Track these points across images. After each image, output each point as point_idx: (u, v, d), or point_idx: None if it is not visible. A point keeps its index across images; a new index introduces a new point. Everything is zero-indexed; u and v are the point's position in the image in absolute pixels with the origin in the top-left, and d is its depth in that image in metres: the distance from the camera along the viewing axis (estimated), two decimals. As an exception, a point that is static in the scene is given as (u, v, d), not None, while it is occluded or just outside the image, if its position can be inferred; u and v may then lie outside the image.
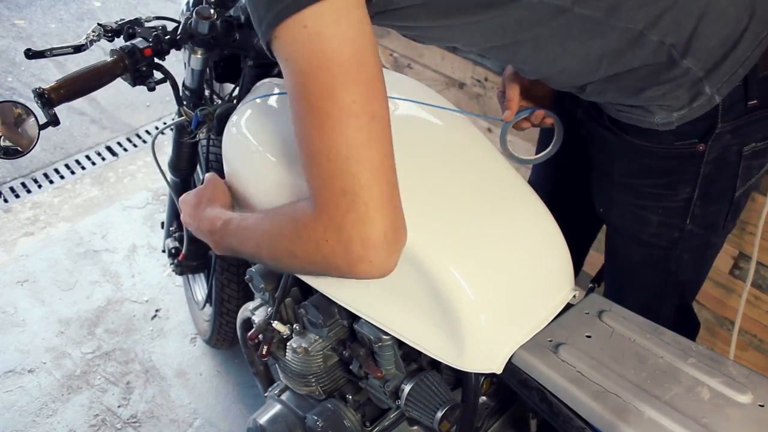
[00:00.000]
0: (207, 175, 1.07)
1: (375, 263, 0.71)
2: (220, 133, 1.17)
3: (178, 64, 1.25)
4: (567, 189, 1.31)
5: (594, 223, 1.40)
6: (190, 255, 1.71)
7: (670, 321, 1.18)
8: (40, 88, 1.01)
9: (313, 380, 1.11)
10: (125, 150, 2.91)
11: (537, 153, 1.31)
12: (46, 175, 2.75)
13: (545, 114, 1.12)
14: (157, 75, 1.16)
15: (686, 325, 1.24)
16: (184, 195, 1.06)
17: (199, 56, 1.16)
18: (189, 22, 1.12)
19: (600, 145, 1.09)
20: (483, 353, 0.86)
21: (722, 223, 1.07)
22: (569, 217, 1.31)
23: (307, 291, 1.13)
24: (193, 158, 1.53)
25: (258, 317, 1.17)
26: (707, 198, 1.01)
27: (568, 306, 0.94)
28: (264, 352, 1.14)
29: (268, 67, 1.19)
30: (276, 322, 1.12)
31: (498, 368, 0.86)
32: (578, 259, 1.50)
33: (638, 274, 1.16)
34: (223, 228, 0.92)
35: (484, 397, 1.02)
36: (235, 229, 0.89)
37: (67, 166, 2.81)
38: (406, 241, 0.74)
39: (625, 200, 1.07)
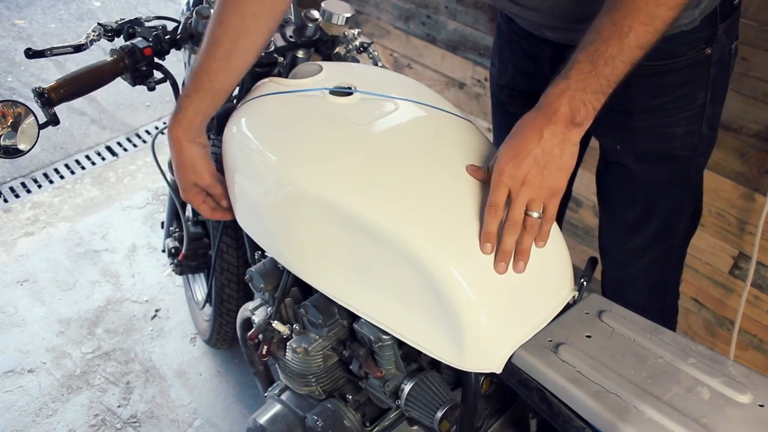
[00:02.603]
0: None
1: None
2: (220, 132, 1.17)
3: (178, 63, 1.25)
4: None
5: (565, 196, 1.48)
6: (190, 255, 1.71)
7: (684, 231, 1.28)
8: (40, 87, 1.01)
9: (313, 380, 1.11)
10: (125, 150, 2.91)
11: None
12: (46, 175, 2.76)
13: None
14: (157, 75, 1.16)
15: (692, 225, 1.31)
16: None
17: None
18: (189, 21, 1.12)
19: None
20: (483, 353, 0.86)
21: (719, 122, 1.18)
22: None
23: (307, 291, 1.13)
24: (193, 158, 1.53)
25: (258, 317, 1.17)
26: (714, 99, 1.12)
27: (568, 306, 0.94)
28: (264, 352, 1.14)
29: (268, 67, 1.19)
30: (276, 322, 1.12)
31: (498, 368, 0.86)
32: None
33: (663, 194, 1.21)
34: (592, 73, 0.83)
35: (484, 397, 1.02)
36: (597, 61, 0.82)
37: (67, 166, 2.81)
38: None
39: (649, 124, 1.13)
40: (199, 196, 1.13)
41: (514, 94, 1.34)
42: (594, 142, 1.28)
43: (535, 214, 0.86)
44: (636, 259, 1.30)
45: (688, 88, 1.10)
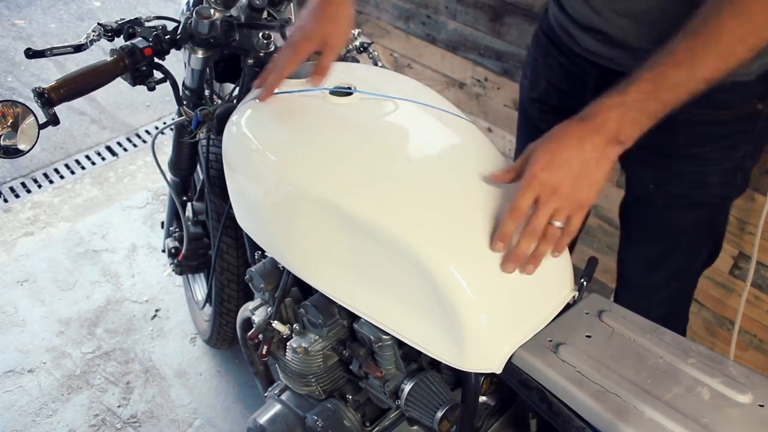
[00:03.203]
0: None
1: None
2: (220, 132, 1.17)
3: (178, 63, 1.25)
4: None
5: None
6: (190, 255, 1.71)
7: (700, 269, 1.30)
8: (40, 87, 1.01)
9: (313, 380, 1.11)
10: (125, 150, 2.91)
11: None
12: (46, 175, 2.76)
13: None
14: (157, 75, 1.16)
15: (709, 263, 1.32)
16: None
17: (199, 56, 1.16)
18: (189, 21, 1.12)
19: (661, 127, 1.10)
20: (483, 353, 0.86)
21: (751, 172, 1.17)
22: None
23: (307, 291, 1.13)
24: (193, 158, 1.53)
25: (258, 317, 1.17)
26: (754, 152, 1.12)
27: (568, 306, 0.94)
28: (264, 352, 1.14)
29: (268, 67, 1.19)
30: (276, 321, 1.12)
31: (498, 368, 0.86)
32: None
33: (688, 237, 1.20)
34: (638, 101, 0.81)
35: (484, 397, 1.02)
36: (655, 90, 0.80)
37: (67, 166, 2.81)
38: None
39: (687, 170, 1.11)
40: (300, 54, 1.04)
41: (545, 109, 1.31)
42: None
43: (558, 224, 0.84)
44: (650, 294, 1.30)
45: (732, 140, 1.08)
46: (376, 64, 1.30)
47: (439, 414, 0.94)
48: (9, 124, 0.99)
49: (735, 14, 0.76)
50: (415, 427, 1.11)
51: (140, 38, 1.12)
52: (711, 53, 0.78)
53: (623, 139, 0.82)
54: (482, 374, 0.90)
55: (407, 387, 0.98)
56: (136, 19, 1.16)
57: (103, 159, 2.85)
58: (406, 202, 0.89)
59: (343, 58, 1.27)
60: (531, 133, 1.35)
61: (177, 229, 1.80)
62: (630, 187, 1.24)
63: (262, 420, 1.16)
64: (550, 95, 1.28)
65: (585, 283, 0.97)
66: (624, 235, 1.30)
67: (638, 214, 1.24)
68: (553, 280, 0.94)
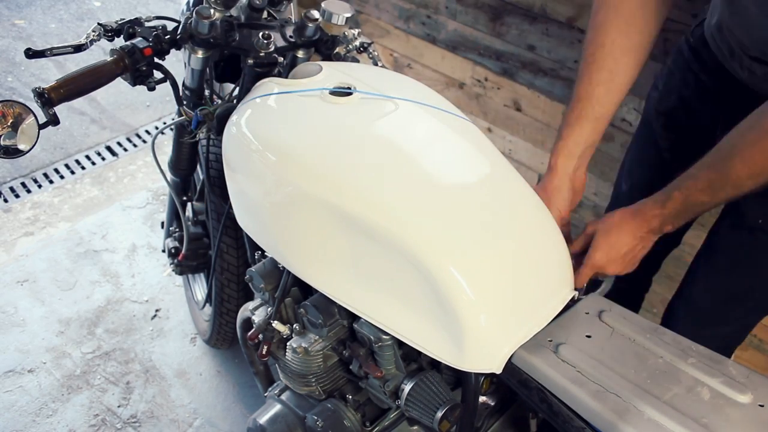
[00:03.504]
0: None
1: None
2: (220, 132, 1.17)
3: (178, 63, 1.25)
4: None
5: (676, 242, 1.49)
6: (190, 255, 1.71)
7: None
8: (39, 87, 1.01)
9: (313, 380, 1.11)
10: (125, 150, 2.91)
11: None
12: (46, 175, 2.75)
13: None
14: (157, 75, 1.16)
15: None
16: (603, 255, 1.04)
17: (199, 56, 1.16)
18: (189, 21, 1.12)
19: None
20: (483, 353, 0.86)
21: None
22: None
23: (307, 291, 1.13)
24: (193, 158, 1.53)
25: (258, 317, 1.17)
26: None
27: (568, 306, 0.94)
28: (264, 352, 1.14)
29: (268, 67, 1.19)
30: (276, 321, 1.12)
31: (498, 368, 0.86)
32: (651, 272, 1.57)
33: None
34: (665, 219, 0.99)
35: (483, 397, 1.02)
36: (684, 205, 0.96)
37: (67, 166, 2.81)
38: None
39: None
40: None
41: (670, 125, 1.28)
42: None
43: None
44: (713, 324, 1.26)
45: None
46: (376, 64, 1.30)
47: (439, 414, 0.94)
48: (9, 124, 0.99)
49: (742, 160, 0.87)
50: (415, 427, 1.11)
51: (140, 38, 1.12)
52: (727, 186, 0.91)
53: (664, 230, 1.01)
54: (482, 374, 0.90)
55: (407, 387, 0.98)
56: (136, 19, 1.16)
57: (103, 159, 2.85)
58: (406, 202, 0.89)
59: (343, 58, 1.27)
60: (649, 148, 1.35)
61: (177, 229, 1.80)
62: (732, 214, 1.19)
63: (262, 420, 1.16)
64: (679, 112, 1.25)
65: (586, 283, 0.97)
66: (706, 256, 1.25)
67: (733, 243, 1.19)
68: (553, 280, 0.94)
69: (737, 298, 1.21)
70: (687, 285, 1.30)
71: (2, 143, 0.99)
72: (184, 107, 1.26)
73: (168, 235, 1.81)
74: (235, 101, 1.24)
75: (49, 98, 1.01)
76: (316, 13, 1.19)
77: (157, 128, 2.98)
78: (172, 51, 1.15)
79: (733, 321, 1.25)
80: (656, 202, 0.98)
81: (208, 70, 1.26)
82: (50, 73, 3.29)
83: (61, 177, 2.75)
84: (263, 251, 1.16)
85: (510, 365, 0.86)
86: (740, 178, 0.89)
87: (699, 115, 1.20)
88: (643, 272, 1.48)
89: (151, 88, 1.16)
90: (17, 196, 2.65)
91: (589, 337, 0.87)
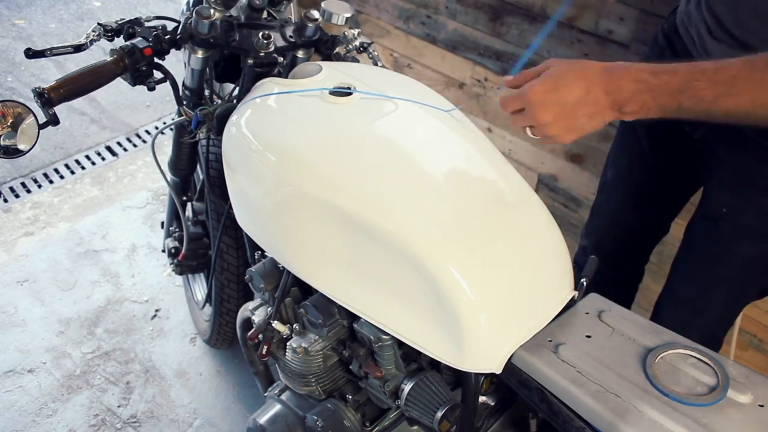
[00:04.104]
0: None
1: None
2: (219, 132, 1.17)
3: (178, 63, 1.25)
4: (658, 188, 1.36)
5: (663, 229, 1.48)
6: (190, 255, 1.71)
7: (748, 301, 1.29)
8: (39, 87, 1.01)
9: (312, 380, 1.11)
10: (125, 150, 2.91)
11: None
12: (45, 175, 2.75)
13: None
14: (157, 75, 1.16)
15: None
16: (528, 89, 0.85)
17: (199, 56, 1.16)
18: (189, 21, 1.12)
19: (740, 150, 1.07)
20: (483, 353, 0.86)
21: None
22: (651, 215, 1.40)
23: (307, 291, 1.13)
24: (192, 158, 1.53)
25: (258, 317, 1.17)
26: None
27: (568, 306, 0.94)
28: (264, 352, 1.14)
29: (268, 67, 1.19)
30: (276, 321, 1.12)
31: (498, 368, 0.86)
32: (642, 261, 1.56)
33: (747, 268, 1.18)
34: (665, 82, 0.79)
35: (483, 397, 1.02)
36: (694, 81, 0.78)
37: (66, 166, 2.81)
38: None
39: (765, 203, 1.09)
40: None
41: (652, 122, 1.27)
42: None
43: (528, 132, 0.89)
44: (694, 314, 1.27)
45: None
46: (376, 64, 1.30)
47: (439, 414, 0.94)
48: (9, 124, 0.99)
49: None
50: (415, 427, 1.11)
51: (140, 38, 1.12)
52: (748, 92, 0.76)
53: (626, 111, 0.82)
54: (482, 374, 0.90)
55: (407, 387, 0.98)
56: (136, 19, 1.16)
57: (103, 159, 2.85)
58: (406, 202, 0.89)
59: (342, 58, 1.27)
60: (629, 136, 1.34)
61: (177, 229, 1.80)
62: (702, 204, 1.22)
63: (262, 420, 1.16)
64: None
65: (585, 283, 0.97)
66: (684, 248, 1.28)
67: (703, 232, 1.21)
68: (553, 280, 0.94)
69: (714, 286, 1.23)
70: (670, 277, 1.33)
71: (2, 143, 0.99)
72: (184, 107, 1.26)
73: (168, 235, 1.81)
74: (234, 101, 1.24)
75: (49, 98, 1.01)
76: (316, 13, 1.19)
77: (157, 128, 2.98)
78: (172, 51, 1.15)
79: (714, 309, 1.26)
80: (646, 69, 0.81)
81: (208, 70, 1.26)
82: (50, 73, 3.29)
83: (61, 177, 2.75)
84: (263, 251, 1.16)
85: (510, 365, 0.86)
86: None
87: None
88: (633, 262, 1.50)
89: (151, 88, 1.16)
90: (17, 196, 2.65)
91: (589, 337, 0.87)
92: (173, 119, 1.33)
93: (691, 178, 1.31)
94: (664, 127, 1.21)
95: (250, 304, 1.22)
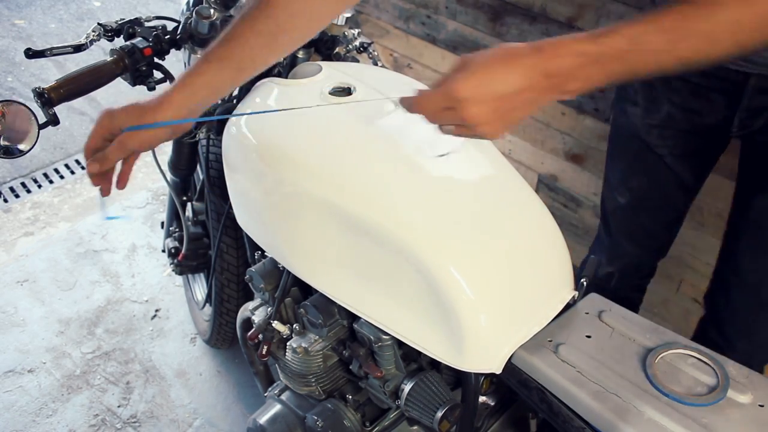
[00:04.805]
0: None
1: None
2: (219, 133, 1.17)
3: (178, 64, 1.25)
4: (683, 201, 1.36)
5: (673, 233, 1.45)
6: (190, 255, 1.71)
7: None
8: (39, 87, 1.01)
9: (312, 380, 1.11)
10: (125, 150, 2.90)
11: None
12: (46, 175, 2.75)
13: None
14: (157, 75, 1.16)
15: None
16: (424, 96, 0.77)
17: (198, 56, 1.15)
18: (189, 21, 1.12)
19: None
20: (483, 353, 0.86)
21: None
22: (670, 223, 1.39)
23: (307, 291, 1.13)
24: (192, 158, 1.53)
25: (258, 317, 1.17)
26: None
27: (568, 306, 0.94)
28: (264, 352, 1.14)
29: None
30: (276, 321, 1.12)
31: (498, 368, 0.86)
32: (656, 259, 1.53)
33: None
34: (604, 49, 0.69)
35: (483, 397, 1.02)
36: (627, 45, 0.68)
37: (67, 166, 2.81)
38: None
39: None
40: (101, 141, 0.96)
41: (667, 134, 1.24)
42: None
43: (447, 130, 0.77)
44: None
45: None
46: (375, 64, 1.30)
47: (439, 414, 0.94)
48: (9, 123, 0.99)
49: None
50: (415, 427, 1.11)
51: (140, 38, 1.12)
52: (701, 30, 0.68)
53: (568, 89, 0.72)
54: (482, 374, 0.90)
55: (407, 387, 0.98)
56: (136, 19, 1.16)
57: (103, 159, 2.85)
58: (406, 202, 0.89)
59: (343, 58, 1.27)
60: (647, 157, 1.30)
61: (177, 229, 1.79)
62: (755, 183, 1.19)
63: (262, 420, 1.16)
64: (675, 118, 1.21)
65: (585, 283, 0.97)
66: (750, 235, 1.23)
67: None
68: (553, 280, 0.94)
69: None
70: (727, 271, 1.28)
71: (2, 143, 0.99)
72: (184, 107, 1.25)
73: (168, 235, 1.81)
74: (234, 101, 1.24)
75: (49, 98, 1.01)
76: (316, 13, 1.19)
77: (157, 128, 2.97)
78: (172, 51, 1.15)
79: None
80: (582, 39, 0.70)
81: (208, 70, 1.26)
82: (50, 73, 3.29)
83: (61, 177, 2.75)
84: (263, 251, 1.16)
85: (510, 365, 0.86)
86: (726, 24, 0.67)
87: (703, 114, 1.18)
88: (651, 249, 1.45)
89: (151, 88, 1.16)
90: (17, 196, 2.65)
91: (589, 337, 0.87)
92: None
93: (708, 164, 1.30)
94: (685, 141, 1.23)
95: (250, 304, 1.22)
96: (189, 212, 1.68)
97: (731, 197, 1.35)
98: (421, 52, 2.21)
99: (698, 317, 1.76)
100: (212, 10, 1.09)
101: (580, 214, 1.98)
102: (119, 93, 3.17)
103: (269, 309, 1.16)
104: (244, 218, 1.10)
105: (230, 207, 1.15)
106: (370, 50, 1.31)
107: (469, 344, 0.85)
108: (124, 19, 1.15)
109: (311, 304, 1.04)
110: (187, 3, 1.31)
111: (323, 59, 1.26)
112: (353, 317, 1.03)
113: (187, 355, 2.05)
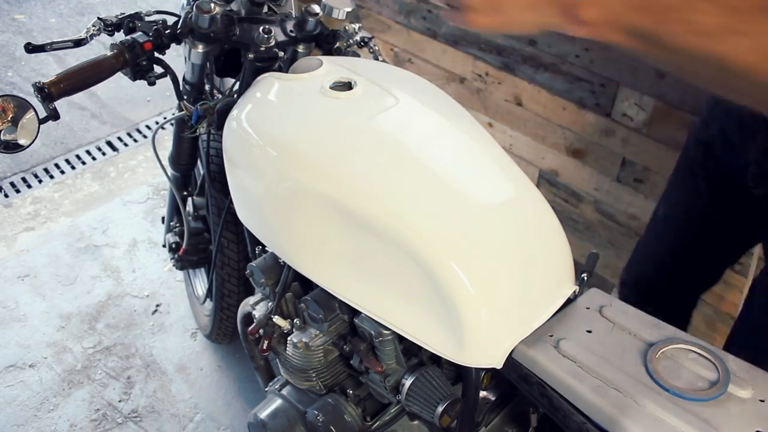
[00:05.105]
0: None
1: None
2: (220, 127, 1.17)
3: (179, 58, 1.25)
4: (707, 233, 1.27)
5: (720, 270, 1.39)
6: (191, 250, 1.71)
7: None
8: (40, 82, 1.01)
9: (313, 375, 1.11)
10: (126, 145, 2.91)
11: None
12: (46, 170, 2.75)
13: None
14: (158, 69, 1.16)
15: None
16: None
17: (199, 50, 1.15)
18: (189, 16, 1.11)
19: None
20: (483, 348, 0.86)
21: None
22: (700, 259, 1.30)
23: (308, 286, 1.13)
24: (193, 153, 1.53)
25: (259, 312, 1.17)
26: None
27: (569, 301, 0.94)
28: (265, 347, 1.14)
29: (268, 62, 1.19)
30: (276, 316, 1.12)
31: (498, 363, 0.86)
32: (690, 306, 1.48)
33: None
34: None
35: (484, 392, 1.02)
36: None
37: (67, 161, 2.81)
38: None
39: None
40: None
41: (709, 155, 1.18)
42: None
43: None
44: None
45: None
46: (376, 59, 1.30)
47: (440, 409, 0.94)
48: (9, 119, 0.99)
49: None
50: (416, 422, 1.11)
51: (140, 33, 1.12)
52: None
53: (581, 18, 0.62)
54: (483, 369, 0.90)
55: (408, 382, 0.98)
56: (137, 13, 1.16)
57: (104, 154, 2.85)
58: (407, 197, 0.89)
59: (343, 53, 1.27)
60: (687, 175, 1.24)
61: (177, 224, 1.79)
62: (765, 259, 1.16)
63: (263, 415, 1.16)
64: (717, 142, 1.15)
65: (586, 278, 0.97)
66: (753, 300, 1.21)
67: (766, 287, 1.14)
68: (554, 275, 0.94)
69: None
70: (746, 307, 1.25)
71: (2, 138, 0.99)
72: (185, 102, 1.25)
73: (168, 230, 1.81)
74: (235, 96, 1.24)
75: (49, 93, 1.01)
76: (316, 8, 1.19)
77: (157, 123, 2.97)
78: (173, 45, 1.15)
79: None
80: None
81: (208, 64, 1.26)
82: (50, 67, 3.29)
83: (62, 172, 2.75)
84: (264, 246, 1.16)
85: (510, 360, 0.86)
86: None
87: (736, 151, 1.10)
88: (675, 306, 1.39)
89: (152, 83, 1.16)
90: (18, 191, 2.65)
91: (589, 332, 0.87)
92: (174, 114, 1.33)
93: (748, 232, 1.23)
94: (722, 174, 1.13)
95: (251, 299, 1.22)
96: (190, 207, 1.68)
97: None
98: (422, 46, 2.20)
99: (699, 312, 1.77)
100: (213, 5, 1.09)
101: (580, 209, 1.98)
102: (120, 88, 3.19)
103: (270, 304, 1.16)
104: (244, 213, 1.10)
105: (231, 202, 1.15)
106: (371, 45, 1.31)
107: (470, 339, 0.85)
108: (124, 13, 1.15)
109: (312, 299, 1.04)
110: (188, -3, 1.30)
111: (324, 54, 1.26)
112: (354, 312, 1.03)
113: (188, 350, 2.06)
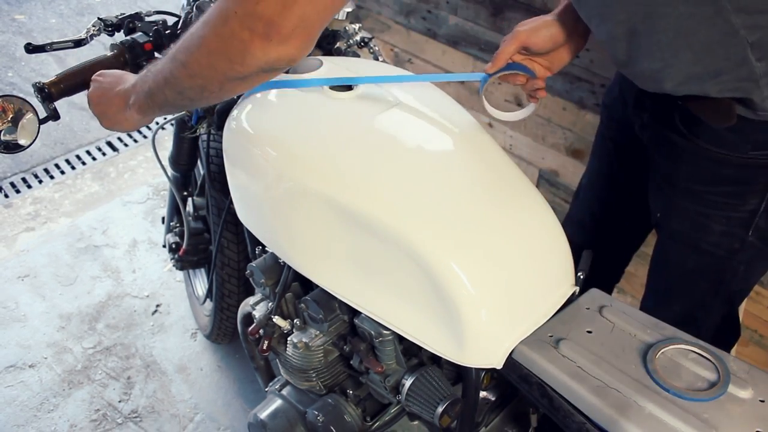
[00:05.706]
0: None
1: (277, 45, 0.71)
2: (220, 128, 1.17)
3: (179, 58, 1.25)
4: (620, 195, 1.31)
5: (641, 232, 1.40)
6: (191, 250, 1.71)
7: (713, 329, 1.17)
8: (40, 82, 1.01)
9: (313, 375, 1.11)
10: (126, 145, 2.91)
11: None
12: (46, 171, 2.75)
13: (528, 78, 1.12)
14: (158, 70, 1.16)
15: (727, 332, 1.22)
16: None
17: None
18: (189, 16, 1.11)
19: (666, 150, 1.05)
20: (483, 348, 0.86)
21: None
22: (619, 222, 1.33)
23: (308, 286, 1.13)
24: (193, 153, 1.53)
25: (259, 312, 1.17)
26: None
27: (569, 301, 0.94)
28: (265, 347, 1.14)
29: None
30: (276, 317, 1.12)
31: (498, 363, 0.86)
32: (620, 266, 1.50)
33: (689, 281, 1.14)
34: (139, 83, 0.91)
35: (484, 392, 1.02)
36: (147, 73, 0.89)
37: (67, 161, 2.81)
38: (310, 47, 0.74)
39: (687, 207, 1.05)
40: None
41: (612, 117, 1.24)
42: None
43: None
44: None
45: (739, 188, 0.98)
46: (376, 59, 1.30)
47: (440, 409, 0.94)
48: (9, 119, 0.99)
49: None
50: (416, 422, 1.11)
51: (140, 33, 1.12)
52: (172, 77, 0.82)
53: (144, 113, 0.94)
54: (483, 369, 0.90)
55: (408, 382, 0.98)
56: (137, 13, 1.16)
57: (104, 154, 2.85)
58: (407, 197, 0.89)
59: (343, 53, 1.27)
60: (599, 141, 1.31)
61: (178, 225, 1.80)
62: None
63: (263, 415, 1.16)
64: (617, 104, 1.21)
65: (581, 276, 0.97)
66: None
67: (656, 242, 1.18)
68: (554, 275, 0.94)
69: (665, 298, 1.20)
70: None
71: (3, 138, 0.99)
72: (185, 102, 1.25)
73: (169, 230, 1.81)
74: (235, 96, 1.24)
75: (49, 93, 1.01)
76: (316, 8, 1.19)
77: (157, 123, 2.97)
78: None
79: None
80: (134, 78, 0.94)
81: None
82: (50, 68, 3.29)
83: (62, 172, 2.75)
84: (264, 246, 1.16)
85: (510, 360, 0.86)
86: (181, 77, 0.81)
87: (629, 107, 1.13)
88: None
89: (152, 83, 1.15)
90: (18, 191, 2.65)
91: (589, 332, 0.87)
92: (173, 114, 1.33)
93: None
94: (623, 134, 1.19)
95: (251, 299, 1.22)
96: (190, 207, 1.68)
97: None
98: (422, 47, 2.20)
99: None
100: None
101: (580, 209, 1.98)
102: (120, 88, 3.17)
103: (270, 304, 1.16)
104: (244, 213, 1.10)
105: (231, 202, 1.15)
106: (371, 45, 1.31)
107: (470, 339, 0.85)
108: (124, 13, 1.15)
109: (312, 299, 1.04)
110: (188, -2, 1.30)
111: (324, 54, 1.26)
112: (354, 312, 1.03)
113: (188, 350, 2.06)
